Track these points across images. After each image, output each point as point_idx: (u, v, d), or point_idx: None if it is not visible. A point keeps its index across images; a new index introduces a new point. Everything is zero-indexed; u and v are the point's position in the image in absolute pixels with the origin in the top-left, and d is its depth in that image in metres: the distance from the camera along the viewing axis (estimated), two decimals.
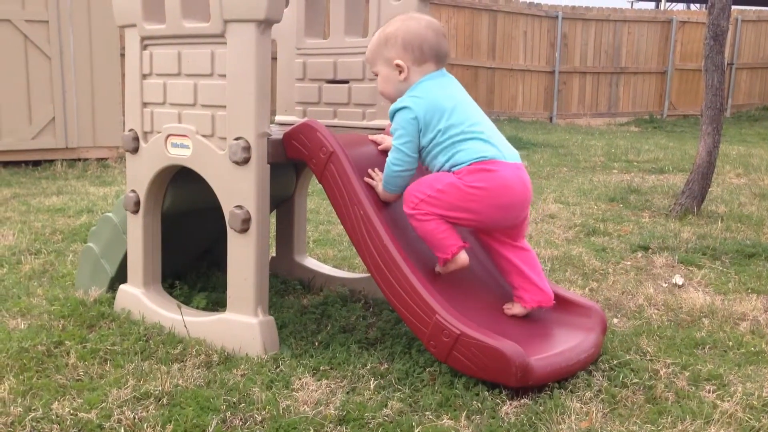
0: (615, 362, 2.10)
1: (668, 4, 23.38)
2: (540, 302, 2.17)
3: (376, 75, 2.24)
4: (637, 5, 24.06)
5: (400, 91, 2.17)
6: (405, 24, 2.16)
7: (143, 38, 2.33)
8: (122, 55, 4.30)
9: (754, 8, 15.94)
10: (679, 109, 14.61)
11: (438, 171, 2.13)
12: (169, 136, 2.28)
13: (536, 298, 2.17)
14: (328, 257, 3.33)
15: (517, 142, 8.61)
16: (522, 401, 1.85)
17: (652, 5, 24.49)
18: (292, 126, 2.19)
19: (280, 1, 2.04)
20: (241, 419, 1.75)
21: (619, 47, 13.96)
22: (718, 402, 1.87)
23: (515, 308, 2.19)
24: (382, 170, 2.18)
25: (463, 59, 12.64)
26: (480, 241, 2.28)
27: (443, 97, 2.11)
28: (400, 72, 2.16)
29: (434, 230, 2.08)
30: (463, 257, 2.10)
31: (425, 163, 2.19)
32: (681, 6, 24.56)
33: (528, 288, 2.18)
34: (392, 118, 2.14)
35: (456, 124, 2.09)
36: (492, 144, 2.09)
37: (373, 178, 2.19)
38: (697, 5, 23.22)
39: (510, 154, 2.11)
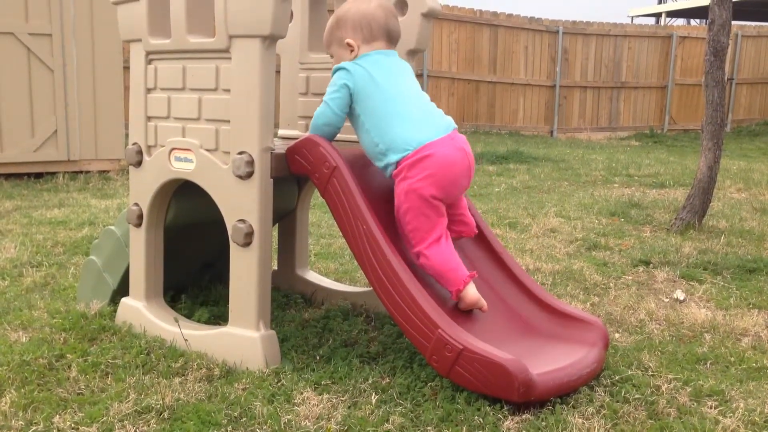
0: (617, 377, 2.10)
1: (668, 19, 23.50)
2: (460, 233, 2.25)
3: (332, 58, 2.29)
4: (638, 20, 24.16)
5: None
6: (355, 5, 2.24)
7: (148, 53, 2.34)
8: (125, 68, 4.31)
9: (754, 24, 16.04)
10: (679, 123, 14.66)
11: (380, 163, 2.17)
12: (172, 149, 2.29)
13: (457, 228, 2.24)
14: (329, 271, 3.33)
15: (517, 156, 8.64)
16: (524, 416, 1.84)
17: (652, 20, 24.62)
18: (296, 140, 2.21)
19: (284, 16, 2.06)
20: None
21: (620, 62, 14.03)
22: (720, 418, 1.87)
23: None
24: (383, 187, 2.19)
25: (465, 73, 12.70)
26: None
27: (384, 74, 2.17)
28: (351, 51, 2.22)
29: (440, 264, 2.11)
30: (470, 294, 2.11)
31: (363, 143, 2.21)
32: (681, 21, 24.69)
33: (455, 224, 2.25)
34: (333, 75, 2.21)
35: (386, 102, 2.13)
36: (421, 126, 2.12)
37: None
38: (697, 21, 23.35)
39: (442, 126, 2.15)
